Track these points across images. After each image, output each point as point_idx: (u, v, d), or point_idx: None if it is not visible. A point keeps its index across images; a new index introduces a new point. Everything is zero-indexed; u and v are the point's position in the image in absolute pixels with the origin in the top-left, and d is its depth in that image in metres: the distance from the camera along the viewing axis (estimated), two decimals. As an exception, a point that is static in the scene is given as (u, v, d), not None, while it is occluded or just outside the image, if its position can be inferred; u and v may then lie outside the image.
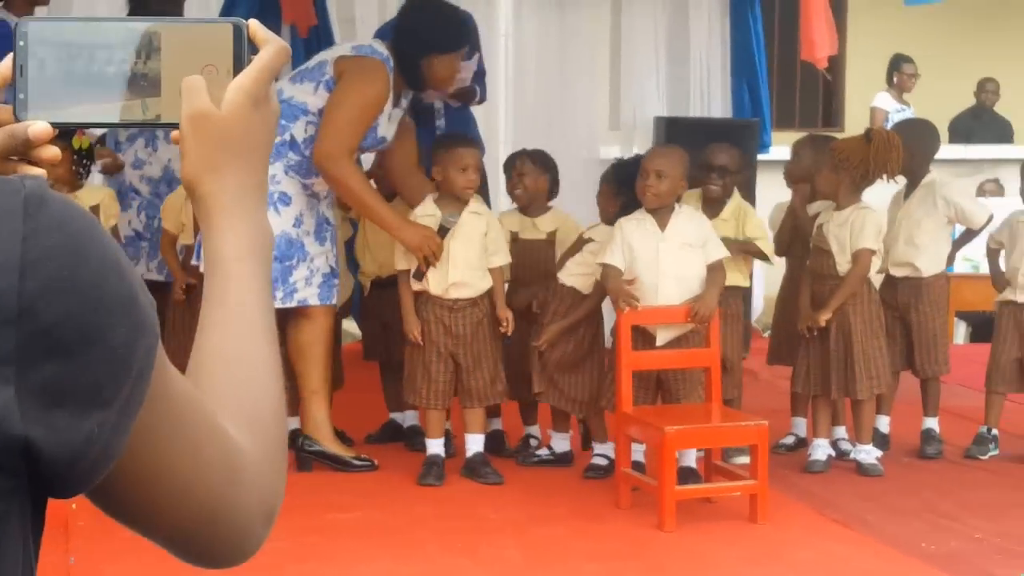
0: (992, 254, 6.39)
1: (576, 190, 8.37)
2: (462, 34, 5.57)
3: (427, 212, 5.64)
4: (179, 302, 6.11)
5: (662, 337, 5.52)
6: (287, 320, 5.48)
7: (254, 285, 1.16)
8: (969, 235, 6.44)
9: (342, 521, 5.14)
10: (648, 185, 5.43)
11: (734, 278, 5.82)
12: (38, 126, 1.13)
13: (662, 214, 5.49)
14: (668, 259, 5.46)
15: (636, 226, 5.50)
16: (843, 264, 5.83)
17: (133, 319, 0.92)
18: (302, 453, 5.62)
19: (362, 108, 5.36)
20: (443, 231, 5.52)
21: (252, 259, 1.17)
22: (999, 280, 6.28)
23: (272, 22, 7.10)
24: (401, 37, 5.50)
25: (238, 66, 1.19)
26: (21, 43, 1.16)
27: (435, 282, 5.57)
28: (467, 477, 5.60)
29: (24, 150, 1.13)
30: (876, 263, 5.98)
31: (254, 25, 1.19)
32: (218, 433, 1.04)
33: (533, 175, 5.95)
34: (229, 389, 1.10)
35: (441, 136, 6.32)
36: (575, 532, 5.05)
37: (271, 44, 1.18)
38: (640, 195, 5.50)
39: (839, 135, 7.86)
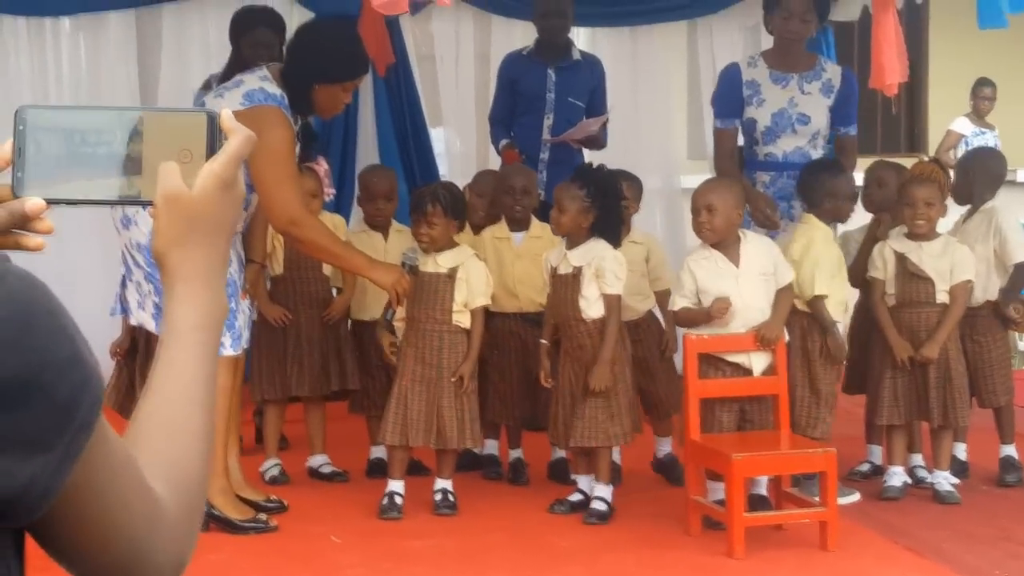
0: None
1: (658, 220, 8.37)
2: (351, 65, 5.31)
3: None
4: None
5: (757, 367, 5.43)
6: None
7: (201, 353, 1.29)
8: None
9: (416, 548, 5.19)
10: (701, 222, 5.33)
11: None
12: (34, 201, 1.27)
13: (729, 247, 5.37)
14: (749, 292, 5.37)
15: (706, 264, 5.40)
16: (942, 293, 5.77)
17: (76, 377, 1.06)
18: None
19: (282, 160, 5.12)
20: (409, 269, 5.46)
21: (205, 330, 1.30)
22: None
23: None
24: (289, 63, 5.29)
25: (210, 152, 1.32)
26: (20, 127, 1.29)
27: None
28: None
29: (22, 224, 1.28)
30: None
31: (225, 115, 1.33)
32: (145, 490, 1.18)
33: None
34: (160, 451, 1.23)
35: None
36: (645, 560, 5.06)
37: (239, 133, 1.31)
38: (696, 232, 5.42)
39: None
